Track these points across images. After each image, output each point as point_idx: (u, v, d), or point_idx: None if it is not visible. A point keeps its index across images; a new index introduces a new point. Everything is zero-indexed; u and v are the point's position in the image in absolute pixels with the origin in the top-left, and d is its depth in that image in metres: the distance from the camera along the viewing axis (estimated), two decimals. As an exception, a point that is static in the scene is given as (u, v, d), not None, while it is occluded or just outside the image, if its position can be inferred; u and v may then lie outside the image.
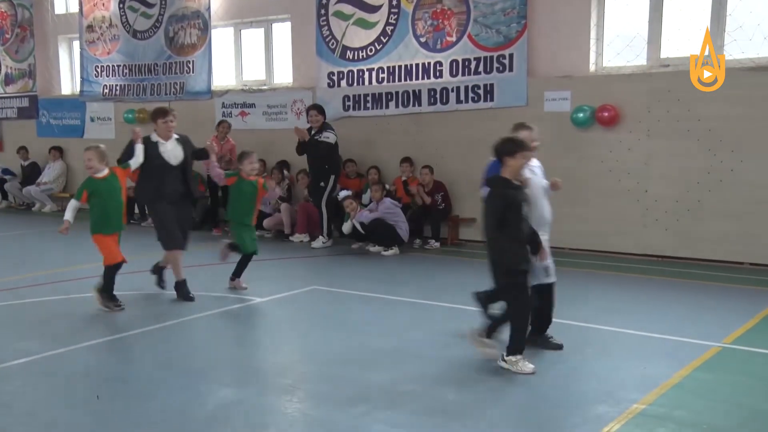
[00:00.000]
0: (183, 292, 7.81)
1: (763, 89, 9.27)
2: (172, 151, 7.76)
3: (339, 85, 12.88)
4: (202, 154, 8.28)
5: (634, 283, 8.84)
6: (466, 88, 11.56)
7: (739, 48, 9.61)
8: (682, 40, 10.08)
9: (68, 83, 17.37)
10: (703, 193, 9.81)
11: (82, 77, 16.43)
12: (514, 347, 5.46)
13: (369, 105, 12.58)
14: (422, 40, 11.95)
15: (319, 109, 11.60)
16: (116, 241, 7.42)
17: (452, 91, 11.70)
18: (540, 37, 10.96)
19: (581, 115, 10.51)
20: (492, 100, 11.36)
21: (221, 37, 14.58)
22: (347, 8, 12.67)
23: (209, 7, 14.28)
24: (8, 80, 17.84)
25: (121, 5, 15.49)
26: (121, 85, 15.76)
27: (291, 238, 11.94)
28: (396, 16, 12.18)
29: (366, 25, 12.54)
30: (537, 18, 10.94)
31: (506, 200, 5.50)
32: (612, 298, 8.07)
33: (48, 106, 17.25)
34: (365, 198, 11.66)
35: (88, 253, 11.07)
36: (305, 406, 4.93)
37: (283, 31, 13.82)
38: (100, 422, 4.61)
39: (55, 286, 8.54)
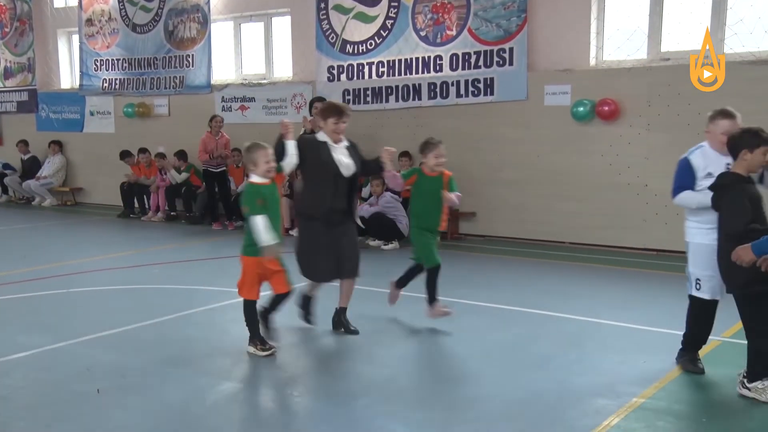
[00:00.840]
0: (306, 310, 6.63)
1: (763, 83, 9.25)
2: (344, 158, 6.27)
3: (339, 79, 12.88)
4: (375, 166, 6.60)
5: (634, 277, 8.86)
6: (466, 82, 11.56)
7: (740, 42, 9.61)
8: (683, 34, 10.07)
9: (68, 77, 17.36)
10: (703, 188, 9.79)
11: (81, 71, 16.41)
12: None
13: (369, 99, 12.58)
14: (422, 33, 11.93)
15: (322, 101, 11.56)
16: (269, 266, 5.85)
17: (452, 85, 11.69)
18: (540, 31, 10.95)
19: (581, 109, 10.50)
20: (492, 94, 11.35)
21: (221, 31, 14.56)
22: (347, 2, 12.65)
23: (209, 1, 14.27)
24: (7, 74, 17.82)
25: (120, -2, 15.50)
26: (120, 79, 15.75)
27: (291, 232, 11.91)
28: (396, 10, 12.16)
29: (366, 18, 12.52)
30: (537, 12, 10.93)
31: (748, 196, 4.82)
32: (612, 292, 8.09)
33: (47, 100, 17.22)
34: (365, 192, 11.65)
35: (89, 247, 11.13)
36: (305, 399, 4.94)
37: (282, 25, 13.81)
38: (100, 416, 4.62)
39: (55, 280, 8.52)
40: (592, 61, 10.75)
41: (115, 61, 15.76)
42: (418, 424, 4.47)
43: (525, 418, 4.59)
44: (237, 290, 5.91)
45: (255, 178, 5.73)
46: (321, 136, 6.32)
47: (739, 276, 4.74)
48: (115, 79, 15.82)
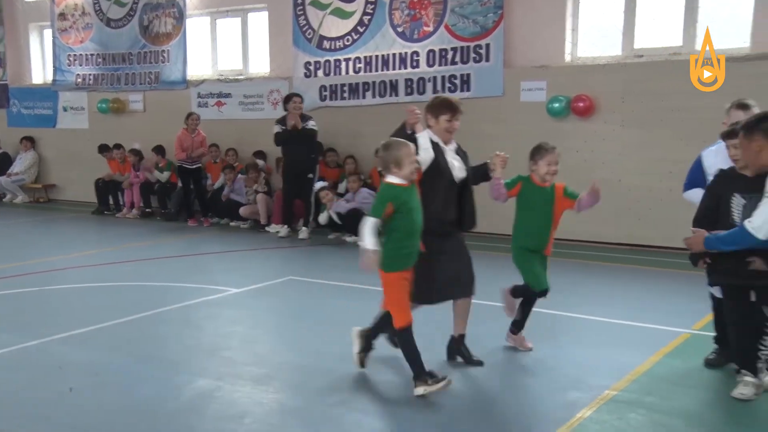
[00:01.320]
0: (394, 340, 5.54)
1: (733, 80, 9.35)
2: (456, 162, 5.46)
3: (316, 75, 12.88)
4: (482, 172, 5.62)
5: (607, 271, 8.96)
6: (443, 78, 11.61)
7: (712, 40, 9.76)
8: (656, 31, 10.24)
9: (40, 72, 17.17)
10: (675, 183, 9.85)
11: (54, 66, 16.24)
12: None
13: (346, 95, 12.60)
14: (399, 29, 11.97)
15: (301, 97, 11.55)
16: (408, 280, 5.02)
17: (429, 81, 11.73)
18: (516, 28, 11.03)
19: (557, 105, 10.60)
20: (469, 90, 11.41)
21: (197, 26, 14.49)
22: (324, -3, 12.70)
23: (184, -4, 14.24)
24: (-22, 69, 17.65)
25: (94, -7, 15.39)
26: (94, 75, 15.62)
27: (267, 228, 11.94)
28: (373, 6, 12.18)
29: (343, 14, 12.53)
30: (513, 8, 11.00)
31: (714, 194, 4.88)
32: (586, 286, 8.16)
33: (19, 95, 17.04)
34: (341, 188, 11.68)
35: (62, 244, 11.06)
36: (281, 396, 4.95)
37: (259, 20, 13.78)
38: (73, 414, 4.61)
39: (28, 278, 8.46)
40: (568, 58, 10.85)
41: (89, 56, 15.63)
42: (390, 416, 4.51)
43: (498, 411, 4.66)
44: (395, 324, 4.96)
45: (394, 179, 4.85)
46: (433, 135, 5.42)
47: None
48: (89, 75, 15.69)
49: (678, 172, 9.88)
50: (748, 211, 4.63)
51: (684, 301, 7.30)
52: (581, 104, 10.43)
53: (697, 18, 9.89)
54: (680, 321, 6.46)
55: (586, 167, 10.51)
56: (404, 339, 4.91)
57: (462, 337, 5.59)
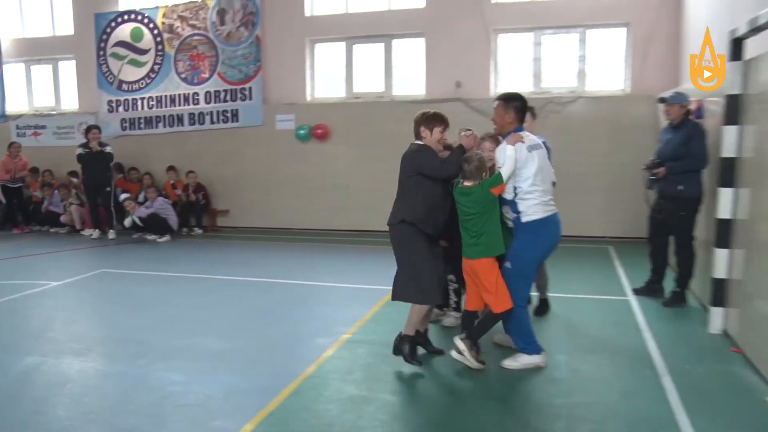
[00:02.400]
0: (415, 350, 4.42)
1: (413, 115, 10.01)
2: None
3: (117, 111, 11.92)
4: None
5: (342, 250, 9.20)
6: (218, 112, 11.28)
7: (402, 88, 10.44)
8: (367, 80, 10.67)
9: None
10: (386, 185, 10.42)
11: None
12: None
13: (142, 126, 11.81)
14: (182, 76, 11.43)
15: (99, 128, 10.62)
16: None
17: (207, 114, 11.35)
18: (271, 75, 10.98)
19: (302, 132, 10.71)
20: (237, 121, 11.19)
21: (13, 71, 12.75)
22: (122, 51, 11.78)
23: (-1, 46, 12.47)
24: None
25: None
26: None
27: (81, 232, 10.87)
28: (161, 58, 11.52)
29: (137, 64, 11.73)
30: (269, 61, 10.94)
31: None
32: (328, 261, 8.31)
33: None
34: (141, 197, 10.93)
35: None
36: (97, 364, 4.54)
37: (68, 66, 12.45)
38: None
39: None
40: (309, 97, 10.99)
41: None
42: (189, 371, 4.33)
43: (267, 358, 4.61)
44: (493, 308, 4.11)
45: None
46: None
47: None
48: None
49: (389, 178, 10.39)
50: None
51: (388, 267, 7.69)
52: (320, 131, 10.62)
53: (392, 72, 10.49)
54: (388, 281, 6.79)
55: (325, 176, 10.77)
56: (494, 321, 4.17)
57: (426, 331, 4.62)
